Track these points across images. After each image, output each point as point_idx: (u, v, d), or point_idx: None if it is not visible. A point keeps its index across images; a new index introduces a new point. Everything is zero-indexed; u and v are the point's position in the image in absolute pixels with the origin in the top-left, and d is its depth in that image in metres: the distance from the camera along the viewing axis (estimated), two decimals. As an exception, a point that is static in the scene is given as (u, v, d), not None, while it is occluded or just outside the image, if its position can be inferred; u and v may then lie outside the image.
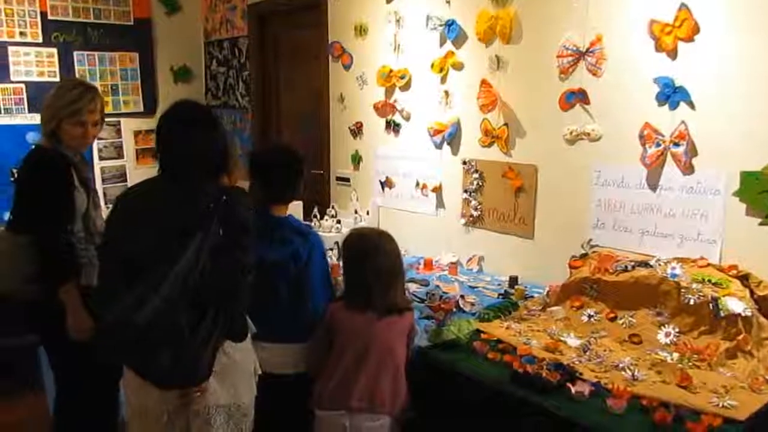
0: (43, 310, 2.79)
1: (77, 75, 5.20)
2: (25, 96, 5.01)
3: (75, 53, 5.26)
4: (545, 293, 3.08)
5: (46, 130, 2.88)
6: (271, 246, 2.57)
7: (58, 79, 5.12)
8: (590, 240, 3.15)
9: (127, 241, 2.25)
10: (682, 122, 2.79)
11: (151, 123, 5.47)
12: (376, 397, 2.46)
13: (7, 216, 4.86)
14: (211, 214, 2.19)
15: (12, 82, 4.96)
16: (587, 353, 2.54)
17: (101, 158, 5.40)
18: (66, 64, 5.21)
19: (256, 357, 2.54)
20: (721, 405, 2.09)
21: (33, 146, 2.97)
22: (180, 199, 2.26)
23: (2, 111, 4.93)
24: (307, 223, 2.86)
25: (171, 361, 2.09)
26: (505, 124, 3.53)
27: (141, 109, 5.64)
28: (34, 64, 5.06)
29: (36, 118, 4.96)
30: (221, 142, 2.42)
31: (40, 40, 5.07)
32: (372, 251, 2.54)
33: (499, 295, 3.28)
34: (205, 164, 2.34)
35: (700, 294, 2.52)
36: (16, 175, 2.98)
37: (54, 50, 5.15)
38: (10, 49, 4.94)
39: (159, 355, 2.09)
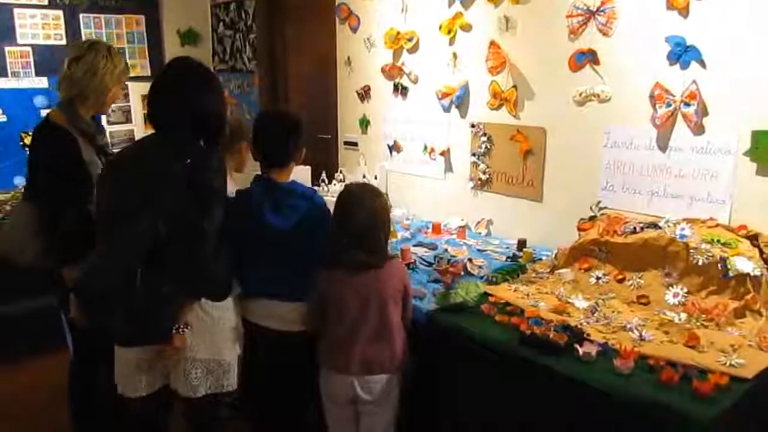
0: (60, 276, 2.81)
1: (83, 38, 5.16)
2: (31, 59, 4.98)
3: (81, 15, 5.22)
4: (553, 256, 3.08)
5: (70, 97, 2.88)
6: (280, 213, 2.56)
7: (64, 42, 5.11)
8: (599, 202, 3.13)
9: (98, 203, 2.33)
10: (693, 82, 2.75)
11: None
12: (374, 363, 2.47)
13: (16, 181, 4.91)
14: (174, 176, 2.19)
15: (18, 45, 4.93)
16: (595, 315, 2.54)
17: (109, 123, 5.39)
18: (72, 27, 5.17)
19: (259, 315, 2.62)
20: (728, 364, 2.09)
21: (47, 119, 2.91)
22: (152, 161, 2.28)
23: (9, 74, 4.91)
24: (313, 188, 2.81)
25: (124, 320, 2.14)
26: (514, 86, 3.50)
27: (148, 72, 5.62)
28: (40, 27, 5.02)
29: (43, 82, 4.99)
30: (214, 104, 2.41)
31: (45, 2, 5.02)
32: (345, 206, 2.50)
33: (508, 258, 3.28)
34: (195, 125, 2.34)
35: (709, 254, 2.51)
36: (30, 147, 2.96)
37: (60, 12, 5.10)
38: (16, 11, 4.90)
39: (113, 315, 2.13)
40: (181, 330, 2.33)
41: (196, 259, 2.24)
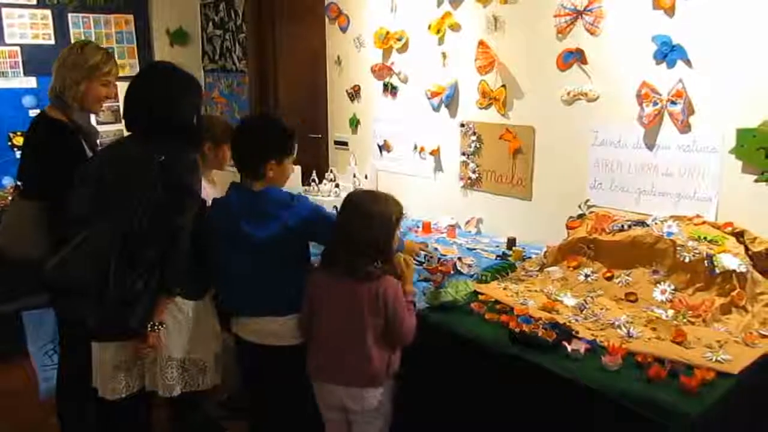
0: None
1: (72, 38, 5.15)
2: (20, 59, 4.96)
3: (70, 15, 5.20)
4: (542, 254, 3.09)
5: (55, 93, 2.87)
6: (257, 223, 2.45)
7: (53, 42, 5.09)
8: (587, 200, 3.16)
9: (72, 201, 2.35)
10: (680, 80, 2.77)
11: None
12: (355, 376, 2.40)
13: (4, 181, 4.86)
14: (148, 174, 2.21)
15: (7, 45, 4.91)
16: (583, 312, 2.56)
17: (98, 122, 5.37)
18: (61, 27, 5.15)
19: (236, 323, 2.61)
20: (714, 359, 2.11)
21: (41, 114, 2.93)
22: (125, 160, 2.32)
23: (-2, 75, 4.90)
24: (291, 193, 2.69)
25: (95, 315, 2.16)
26: (503, 86, 3.51)
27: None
28: (28, 27, 4.99)
29: (32, 82, 4.97)
30: (187, 107, 2.43)
31: (34, 1, 5.00)
32: (349, 209, 2.43)
33: (497, 256, 3.29)
34: (168, 127, 2.37)
35: (696, 251, 2.53)
36: (29, 143, 2.97)
37: (48, 12, 5.09)
38: (4, 10, 4.88)
39: (83, 309, 2.15)
40: (156, 328, 2.34)
41: (171, 256, 2.26)
